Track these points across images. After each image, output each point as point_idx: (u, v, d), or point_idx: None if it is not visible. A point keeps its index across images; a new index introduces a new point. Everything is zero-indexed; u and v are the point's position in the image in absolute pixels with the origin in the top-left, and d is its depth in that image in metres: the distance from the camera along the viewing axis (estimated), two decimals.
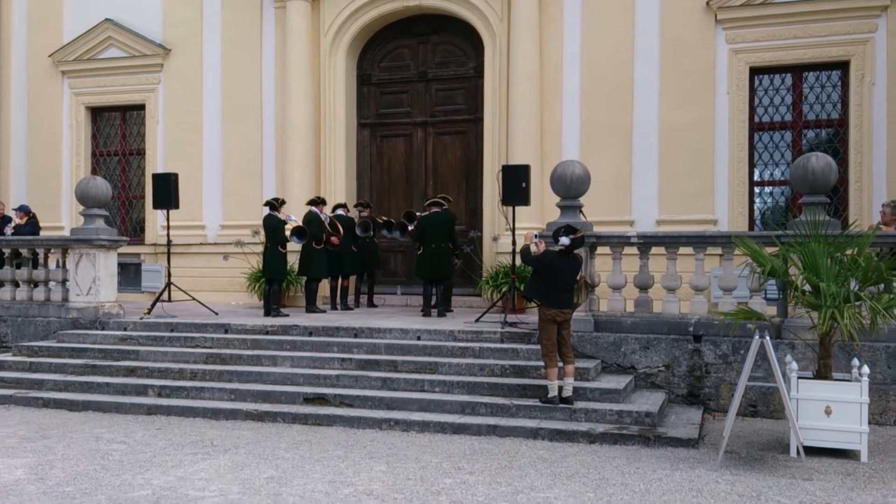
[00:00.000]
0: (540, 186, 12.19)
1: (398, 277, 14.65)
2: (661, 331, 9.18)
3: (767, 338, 6.90)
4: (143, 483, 6.27)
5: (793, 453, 7.07)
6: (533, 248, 8.51)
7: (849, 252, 7.32)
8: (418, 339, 9.80)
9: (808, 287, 7.34)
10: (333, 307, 12.85)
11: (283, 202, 12.52)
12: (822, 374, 7.32)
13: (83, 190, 11.44)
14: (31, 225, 13.33)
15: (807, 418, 7.08)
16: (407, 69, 14.76)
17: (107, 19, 15.85)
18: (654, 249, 9.64)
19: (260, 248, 12.63)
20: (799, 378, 7.20)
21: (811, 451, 7.07)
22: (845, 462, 6.93)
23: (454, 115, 14.47)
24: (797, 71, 12.65)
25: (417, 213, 12.47)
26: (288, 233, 12.11)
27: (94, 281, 11.26)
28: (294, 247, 12.57)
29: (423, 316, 11.68)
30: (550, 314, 8.01)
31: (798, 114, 12.68)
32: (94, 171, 16.08)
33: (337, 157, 14.45)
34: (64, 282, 11.73)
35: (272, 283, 12.12)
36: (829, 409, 7.07)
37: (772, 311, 9.07)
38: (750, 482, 6.33)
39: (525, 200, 10.91)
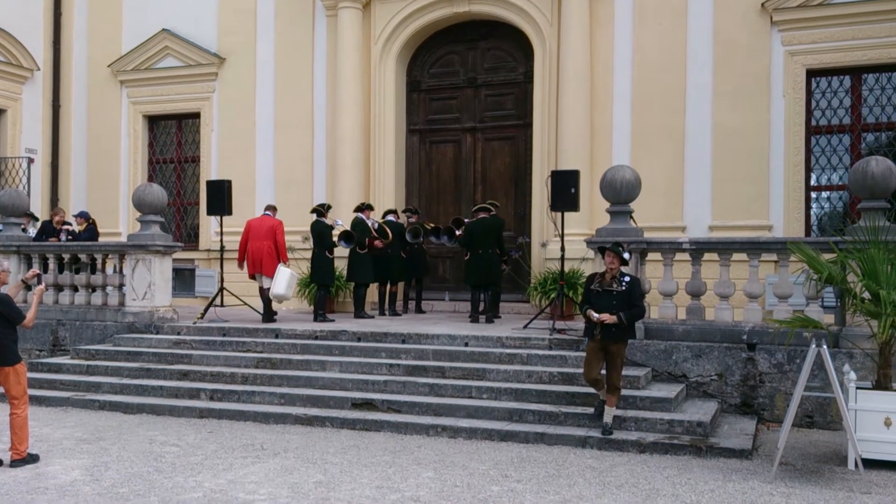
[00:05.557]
0: (590, 192, 12.10)
1: (446, 283, 14.65)
2: (714, 339, 9.01)
3: (825, 346, 6.72)
4: (195, 486, 6.37)
5: (851, 466, 6.87)
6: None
7: None
8: (466, 345, 9.79)
9: (867, 295, 7.16)
10: (382, 313, 12.92)
11: (329, 207, 12.64)
12: (881, 384, 7.12)
13: (140, 196, 11.71)
14: (91, 231, 13.67)
15: (865, 430, 6.91)
16: (456, 75, 14.78)
17: (164, 30, 16.22)
18: (707, 256, 9.44)
19: (310, 254, 12.76)
20: (857, 388, 7.03)
21: (870, 464, 6.87)
22: None
23: (503, 120, 14.44)
24: (856, 73, 12.30)
25: (465, 220, 12.46)
26: (336, 237, 12.22)
27: (149, 286, 11.51)
28: (342, 252, 12.68)
29: (470, 322, 11.67)
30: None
31: (857, 117, 12.33)
32: (150, 179, 16.45)
33: (386, 163, 14.54)
34: (121, 286, 11.98)
35: (321, 289, 12.23)
36: (889, 420, 6.88)
37: (829, 319, 8.82)
38: (805, 495, 6.16)
39: (574, 206, 10.83)
